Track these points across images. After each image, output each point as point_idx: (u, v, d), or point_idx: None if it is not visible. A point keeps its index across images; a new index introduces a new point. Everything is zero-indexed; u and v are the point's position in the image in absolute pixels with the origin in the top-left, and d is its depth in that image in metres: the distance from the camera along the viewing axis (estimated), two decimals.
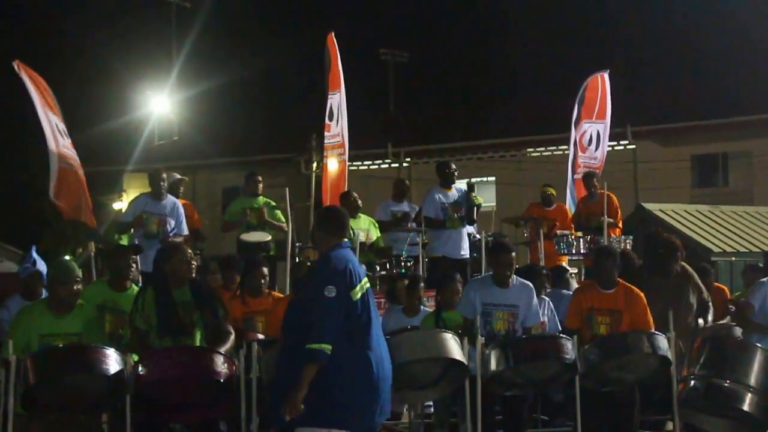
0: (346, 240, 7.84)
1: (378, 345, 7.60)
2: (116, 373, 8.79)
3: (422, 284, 12.26)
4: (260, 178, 16.47)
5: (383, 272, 14.91)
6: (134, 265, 12.11)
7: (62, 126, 15.93)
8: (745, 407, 9.80)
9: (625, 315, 10.34)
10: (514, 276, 10.68)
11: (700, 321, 11.54)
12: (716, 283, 14.18)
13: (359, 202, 15.96)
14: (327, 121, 16.94)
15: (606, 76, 18.51)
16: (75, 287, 9.48)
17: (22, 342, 9.27)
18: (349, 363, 7.30)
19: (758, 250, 23.79)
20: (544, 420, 11.68)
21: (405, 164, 38.85)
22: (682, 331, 10.30)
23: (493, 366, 9.56)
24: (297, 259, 14.66)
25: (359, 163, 39.30)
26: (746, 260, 22.07)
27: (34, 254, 13.32)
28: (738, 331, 11.14)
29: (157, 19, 48.84)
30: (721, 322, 11.70)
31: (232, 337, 9.24)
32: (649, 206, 27.72)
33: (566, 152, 19.10)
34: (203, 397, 9.02)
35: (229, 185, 18.19)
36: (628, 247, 15.23)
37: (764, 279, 11.59)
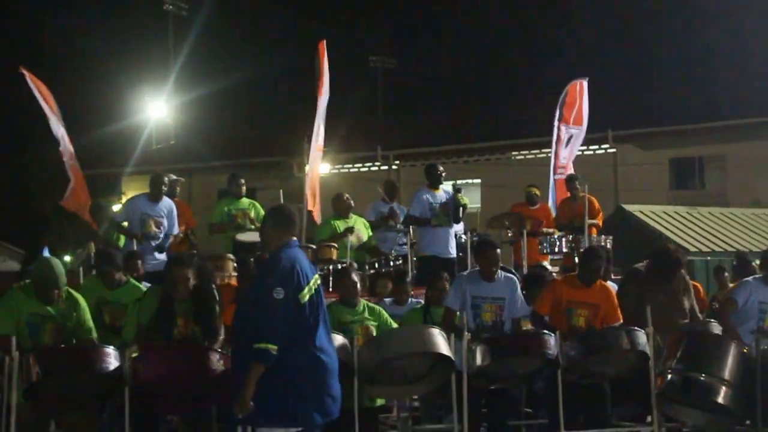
0: (294, 239, 7.72)
1: (326, 342, 7.51)
2: (115, 370, 8.84)
3: (408, 278, 12.26)
4: (243, 180, 16.30)
5: (372, 270, 14.94)
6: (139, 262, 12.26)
7: (62, 130, 16.02)
8: (720, 400, 9.86)
9: (601, 309, 10.41)
10: (500, 271, 10.72)
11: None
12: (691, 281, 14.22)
13: (351, 202, 16.00)
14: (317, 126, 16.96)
15: (585, 83, 18.56)
16: (57, 292, 9.55)
17: (11, 319, 9.45)
18: (297, 362, 7.22)
19: (732, 250, 23.87)
20: (528, 412, 11.70)
21: (394, 167, 38.83)
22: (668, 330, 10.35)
23: (478, 361, 9.58)
24: None
25: (350, 165, 39.40)
26: (721, 259, 22.14)
27: (47, 254, 13.36)
28: (715, 327, 11.16)
29: (155, 28, 48.99)
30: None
31: (222, 333, 9.27)
32: (629, 207, 27.78)
33: (549, 155, 19.13)
34: (198, 391, 9.01)
35: (224, 187, 18.18)
36: (609, 246, 15.28)
37: (749, 278, 11.63)
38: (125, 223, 14.77)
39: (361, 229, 15.89)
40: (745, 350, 10.17)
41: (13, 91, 15.71)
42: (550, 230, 16.59)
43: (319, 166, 17.36)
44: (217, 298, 9.82)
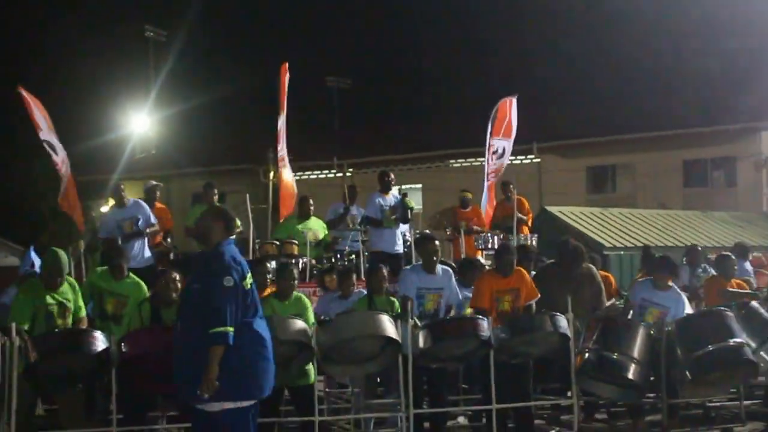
0: (232, 237, 7.64)
1: (264, 325, 7.47)
2: (102, 351, 8.81)
3: (353, 274, 12.21)
4: (216, 190, 16.22)
5: (329, 264, 14.95)
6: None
7: (57, 141, 15.90)
8: (630, 375, 9.93)
9: (521, 291, 10.43)
10: (439, 264, 10.72)
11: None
12: (603, 272, 14.28)
13: (312, 207, 16.04)
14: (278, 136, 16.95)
15: (514, 100, 18.61)
16: (60, 279, 9.54)
17: (28, 311, 9.44)
18: (247, 343, 7.16)
19: (641, 245, 24.04)
20: (464, 388, 11.72)
21: (348, 174, 38.89)
22: (580, 315, 10.39)
23: (421, 343, 9.57)
24: (257, 254, 14.69)
25: (310, 173, 39.45)
26: (632, 253, 22.32)
27: (32, 254, 13.24)
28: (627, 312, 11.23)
29: (137, 52, 48.78)
30: (608, 304, 11.75)
31: None
32: (551, 209, 27.88)
33: (482, 163, 19.17)
34: None
35: (199, 191, 18.16)
36: (534, 243, 15.36)
37: (641, 279, 11.73)
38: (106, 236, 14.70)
39: (318, 228, 15.88)
40: (651, 333, 10.26)
41: (13, 106, 15.62)
42: (480, 229, 16.69)
43: (288, 174, 17.28)
44: None
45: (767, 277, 16.43)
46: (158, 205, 15.88)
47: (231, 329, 7.00)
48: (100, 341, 9.03)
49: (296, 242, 15.17)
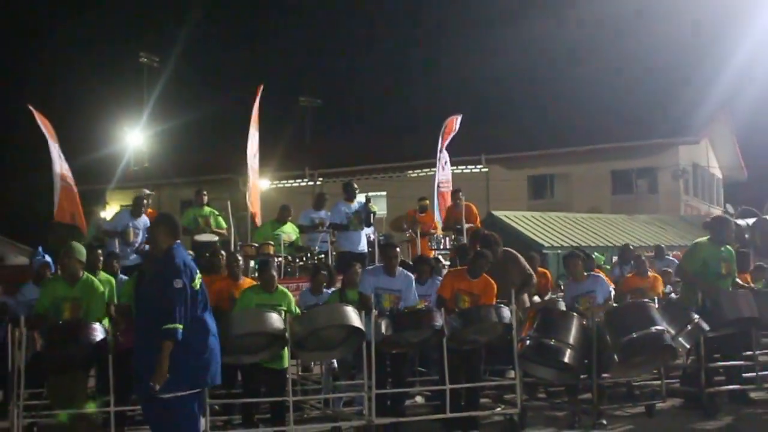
0: (179, 241, 7.42)
1: (212, 322, 7.30)
2: (101, 341, 8.76)
3: (324, 273, 12.21)
4: (205, 193, 16.34)
5: (301, 263, 14.97)
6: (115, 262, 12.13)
7: (60, 153, 15.86)
8: (566, 359, 9.96)
9: (482, 298, 10.40)
10: (400, 268, 10.69)
11: (528, 297, 11.70)
12: (541, 268, 14.34)
13: (291, 214, 16.09)
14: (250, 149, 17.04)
15: (458, 118, 18.68)
16: (75, 262, 9.46)
17: (46, 301, 9.42)
18: (194, 338, 7.01)
19: (576, 244, 24.15)
20: (421, 371, 11.73)
21: (318, 182, 38.84)
22: (506, 296, 10.41)
23: (383, 332, 9.58)
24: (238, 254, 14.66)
25: (285, 181, 39.40)
26: (567, 251, 22.41)
27: (41, 250, 13.20)
28: (561, 304, 11.28)
29: (133, 75, 48.77)
30: (547, 297, 11.82)
31: None
32: (497, 213, 27.91)
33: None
34: None
35: (186, 199, 18.05)
36: None
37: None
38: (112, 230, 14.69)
39: (292, 232, 15.88)
40: (584, 323, 10.31)
41: (25, 122, 15.59)
42: (434, 232, 16.73)
43: (258, 183, 17.35)
44: None
45: None
46: (149, 211, 15.86)
47: (180, 326, 6.86)
48: (99, 332, 9.00)
49: (272, 244, 15.17)
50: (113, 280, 10.83)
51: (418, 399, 11.59)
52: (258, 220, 16.84)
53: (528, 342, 10.08)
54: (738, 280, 11.85)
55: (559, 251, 24.03)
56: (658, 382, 11.09)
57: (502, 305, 10.09)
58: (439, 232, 16.85)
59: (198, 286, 7.14)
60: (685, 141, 35.63)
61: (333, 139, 45.12)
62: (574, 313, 10.40)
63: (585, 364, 10.21)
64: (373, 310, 9.67)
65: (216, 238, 15.54)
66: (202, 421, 8.74)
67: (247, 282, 10.96)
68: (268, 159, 17.66)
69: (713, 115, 37.27)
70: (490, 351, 10.46)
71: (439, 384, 10.04)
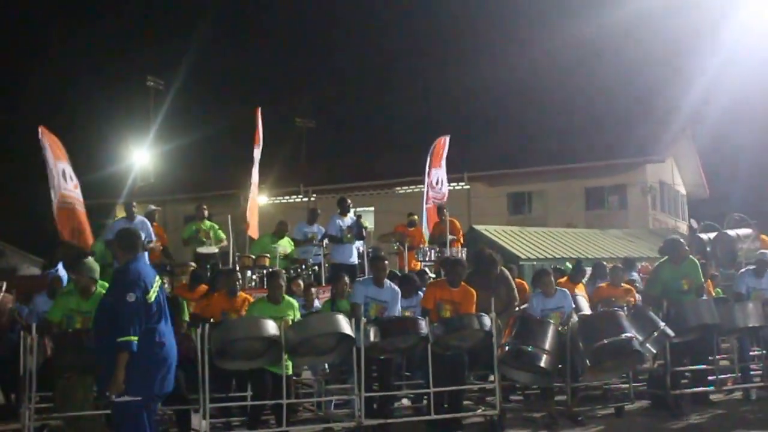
0: (139, 254, 7.30)
1: (167, 333, 7.16)
2: None
3: (313, 287, 12.22)
4: (206, 207, 16.43)
5: (295, 275, 14.94)
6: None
7: (70, 171, 15.68)
8: (542, 364, 9.97)
9: (462, 307, 10.37)
10: (387, 280, 10.71)
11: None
12: (519, 279, 14.33)
13: (287, 228, 16.11)
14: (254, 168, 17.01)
15: (447, 138, 18.70)
16: (85, 278, 9.35)
17: (59, 313, 9.41)
18: (145, 349, 6.89)
19: (551, 257, 24.22)
20: (407, 375, 11.71)
21: (312, 198, 38.83)
22: (498, 311, 10.40)
23: (371, 338, 9.57)
24: (236, 265, 14.65)
25: (281, 198, 39.39)
26: (543, 264, 22.43)
27: (60, 266, 13.10)
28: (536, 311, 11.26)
29: (140, 98, 48.83)
30: (524, 306, 11.80)
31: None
32: (478, 227, 27.96)
33: (423, 190, 19.19)
34: None
35: (189, 213, 18.04)
36: (463, 256, 15.38)
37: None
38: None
39: (287, 245, 15.89)
40: (559, 329, 10.32)
41: (36, 140, 15.54)
42: (422, 246, 16.73)
43: (257, 200, 17.34)
44: (180, 301, 9.91)
45: None
46: (156, 225, 15.87)
47: (134, 338, 6.79)
48: None
49: (269, 256, 15.17)
50: None
51: (405, 401, 11.57)
52: (254, 234, 16.80)
53: (507, 348, 10.08)
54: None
55: (535, 263, 24.08)
56: (627, 385, 11.11)
57: (483, 314, 10.08)
58: (426, 246, 16.86)
59: (152, 299, 7.02)
60: (652, 160, 35.76)
61: (326, 159, 45.22)
62: (550, 321, 10.41)
63: (560, 369, 10.23)
64: (363, 319, 9.66)
65: (216, 250, 15.57)
66: (204, 423, 8.75)
67: (241, 297, 10.93)
68: (265, 176, 17.68)
69: (678, 137, 37.52)
70: (472, 356, 10.44)
71: (424, 387, 10.02)
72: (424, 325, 9.69)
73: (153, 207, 16.53)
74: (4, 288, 12.42)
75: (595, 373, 10.36)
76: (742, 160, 36.57)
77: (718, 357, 11.74)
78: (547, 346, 9.99)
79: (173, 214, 35.59)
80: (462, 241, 17.82)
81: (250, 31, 79.50)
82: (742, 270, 13.27)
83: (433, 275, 14.98)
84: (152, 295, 7.02)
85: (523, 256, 25.44)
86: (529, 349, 10.00)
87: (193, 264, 14.54)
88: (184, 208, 34.14)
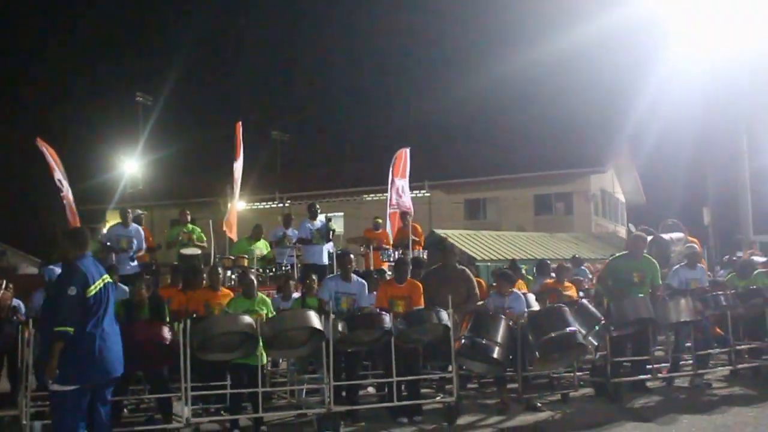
0: (89, 251, 7.18)
1: (106, 325, 6.94)
2: None
3: (291, 280, 12.18)
4: (189, 212, 16.35)
5: (271, 274, 14.89)
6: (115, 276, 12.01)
7: (65, 181, 15.73)
8: (495, 355, 9.96)
9: (412, 300, 10.35)
10: (354, 275, 10.69)
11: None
12: (477, 278, 14.34)
13: (263, 232, 16.02)
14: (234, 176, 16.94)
15: (407, 150, 18.70)
16: None
17: None
18: (81, 339, 6.73)
19: (503, 258, 24.28)
20: (372, 365, 11.66)
21: (287, 204, 38.75)
22: (456, 308, 10.38)
23: (340, 332, 9.52)
24: (217, 265, 14.56)
25: (258, 204, 39.25)
26: (497, 264, 22.52)
27: (56, 266, 12.96)
28: (491, 307, 11.28)
29: (129, 112, 48.76)
30: (480, 303, 11.79)
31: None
32: (438, 231, 28.03)
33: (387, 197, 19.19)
34: (155, 354, 8.86)
35: (175, 217, 17.94)
36: (425, 257, 15.38)
37: (492, 292, 11.70)
38: (108, 243, 14.54)
39: (263, 247, 15.81)
40: (510, 323, 10.32)
41: (33, 151, 15.47)
42: (387, 247, 16.67)
43: (237, 206, 17.27)
44: (164, 301, 10.04)
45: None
46: (143, 228, 15.77)
47: (70, 329, 6.65)
48: None
49: (247, 257, 15.09)
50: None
51: (370, 389, 11.53)
52: (233, 237, 16.75)
53: (463, 341, 10.05)
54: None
55: (489, 264, 24.18)
56: (572, 374, 11.14)
57: (441, 309, 10.06)
58: (391, 247, 16.81)
59: (92, 294, 6.84)
60: (595, 171, 36.09)
61: (299, 168, 45.29)
62: (502, 316, 10.42)
63: (511, 360, 10.24)
64: (331, 314, 9.61)
65: (199, 252, 15.49)
66: (186, 409, 8.65)
67: (224, 292, 10.89)
68: (244, 184, 17.54)
69: (618, 150, 37.88)
70: (432, 348, 10.42)
71: (386, 376, 9.99)
72: (387, 320, 9.66)
73: (139, 211, 16.49)
74: (3, 285, 12.25)
75: (543, 364, 10.37)
76: (675, 170, 36.98)
77: (653, 348, 11.86)
78: (499, 339, 9.98)
79: (160, 218, 35.44)
80: (423, 243, 17.78)
81: (231, 52, 79.55)
82: (675, 266, 13.40)
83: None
84: (92, 291, 6.85)
85: (478, 258, 25.54)
86: (483, 342, 9.98)
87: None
88: (170, 212, 33.96)
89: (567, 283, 13.14)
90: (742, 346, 12.73)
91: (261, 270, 15.01)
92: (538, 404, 10.39)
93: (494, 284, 12.07)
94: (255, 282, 10.29)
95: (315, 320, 9.32)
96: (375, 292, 10.95)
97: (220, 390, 9.70)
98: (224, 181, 18.98)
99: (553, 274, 14.01)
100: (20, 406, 8.77)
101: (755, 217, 28.18)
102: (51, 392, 6.79)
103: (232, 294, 10.90)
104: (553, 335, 10.00)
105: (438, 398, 10.66)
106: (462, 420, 9.82)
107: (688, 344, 11.96)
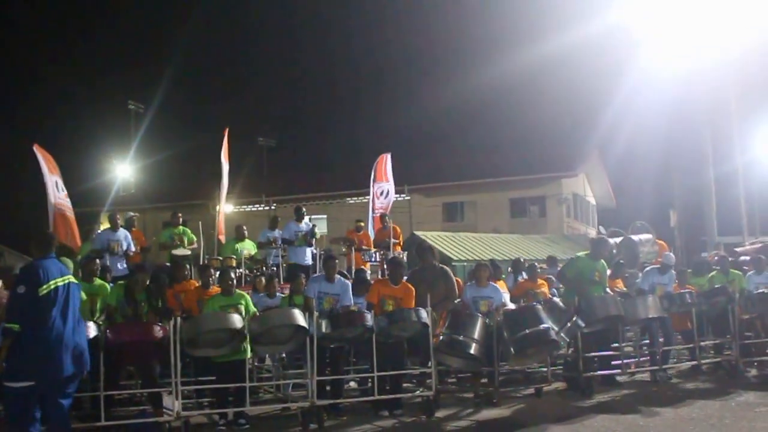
0: (51, 253, 7.04)
1: (58, 323, 6.77)
2: (93, 338, 8.52)
3: (276, 279, 12.16)
4: (180, 215, 16.23)
5: (259, 273, 14.84)
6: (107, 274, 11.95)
7: (61, 183, 15.64)
8: (472, 351, 9.97)
9: (403, 302, 10.35)
10: (337, 276, 10.67)
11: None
12: (456, 278, 14.37)
13: (246, 232, 15.93)
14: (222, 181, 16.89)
15: (389, 156, 18.73)
16: None
17: None
18: (30, 336, 6.62)
19: (480, 258, 24.31)
20: (354, 361, 11.65)
21: (273, 207, 38.64)
22: (435, 305, 10.39)
23: (323, 329, 9.49)
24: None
25: (246, 206, 39.17)
26: (473, 264, 22.56)
27: None
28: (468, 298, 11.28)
29: (122, 119, 48.68)
30: (457, 301, 11.79)
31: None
32: (418, 233, 28.07)
33: (369, 200, 19.18)
34: (146, 349, 8.84)
35: (166, 220, 17.87)
36: (405, 257, 15.37)
37: (469, 284, 11.67)
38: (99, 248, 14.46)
39: (251, 248, 15.76)
40: (487, 321, 10.34)
41: (26, 155, 15.40)
42: (368, 248, 16.68)
43: (224, 209, 17.27)
44: (164, 292, 9.88)
45: None
46: (135, 230, 15.74)
47: (15, 326, 6.57)
48: (92, 330, 8.72)
49: (235, 257, 15.05)
50: (107, 286, 10.61)
51: (352, 384, 11.51)
52: (222, 239, 16.76)
53: (441, 337, 10.06)
54: (615, 287, 12.32)
55: (465, 264, 24.22)
56: (545, 369, 11.17)
57: (420, 308, 10.06)
58: (372, 248, 16.82)
59: (43, 292, 6.72)
60: (567, 175, 36.24)
61: (285, 173, 45.13)
62: (479, 314, 10.43)
63: (487, 355, 10.25)
64: (315, 312, 9.59)
65: (189, 252, 15.42)
66: (176, 403, 8.61)
67: (214, 290, 10.85)
68: (231, 188, 17.53)
69: (589, 155, 38.07)
70: (412, 345, 10.42)
71: (369, 371, 9.98)
72: (369, 318, 9.66)
73: (132, 214, 16.39)
74: (0, 283, 12.16)
75: (518, 359, 10.39)
76: (644, 175, 37.24)
77: (622, 344, 11.91)
78: (476, 335, 9.99)
79: (152, 220, 35.26)
80: (402, 244, 17.81)
81: (219, 61, 79.42)
82: (648, 269, 13.46)
83: (373, 274, 15.01)
84: (44, 290, 6.74)
85: (455, 258, 25.57)
86: (461, 339, 9.98)
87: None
88: (162, 215, 33.72)
89: (540, 281, 13.18)
90: (706, 342, 12.84)
91: (248, 270, 14.99)
92: (494, 400, 10.34)
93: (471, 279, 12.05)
94: (234, 280, 10.17)
95: (300, 318, 9.31)
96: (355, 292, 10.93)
97: (209, 385, 9.66)
98: (213, 184, 18.92)
99: (524, 273, 14.07)
100: None
101: (719, 220, 28.40)
102: (4, 388, 6.66)
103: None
104: (527, 332, 10.02)
105: (418, 392, 10.64)
106: (440, 413, 9.83)
107: (647, 341, 12.05)
